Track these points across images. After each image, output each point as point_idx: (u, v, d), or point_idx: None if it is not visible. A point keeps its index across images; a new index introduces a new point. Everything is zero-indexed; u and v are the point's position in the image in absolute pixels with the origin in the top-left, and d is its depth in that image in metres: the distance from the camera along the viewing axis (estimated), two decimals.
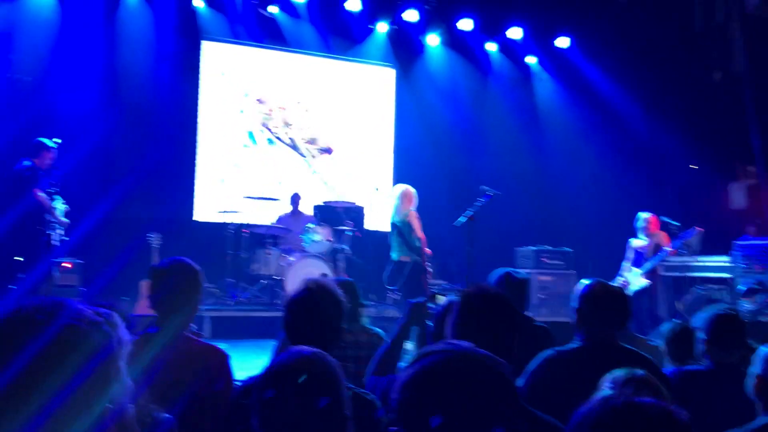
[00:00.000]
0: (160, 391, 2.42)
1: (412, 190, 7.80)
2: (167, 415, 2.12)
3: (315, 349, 1.66)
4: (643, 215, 8.24)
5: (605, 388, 1.77)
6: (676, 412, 1.12)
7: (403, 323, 2.86)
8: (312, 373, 1.59)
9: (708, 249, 9.57)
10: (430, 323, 2.99)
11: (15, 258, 6.81)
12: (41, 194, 6.73)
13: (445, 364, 1.32)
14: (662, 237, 8.11)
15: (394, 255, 7.74)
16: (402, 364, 3.20)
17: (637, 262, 8.19)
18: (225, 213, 9.00)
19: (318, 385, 1.58)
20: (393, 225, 7.79)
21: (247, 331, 7.81)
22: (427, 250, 7.77)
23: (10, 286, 6.80)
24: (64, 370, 1.14)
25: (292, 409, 1.55)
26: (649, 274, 8.06)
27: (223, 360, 2.78)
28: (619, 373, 1.77)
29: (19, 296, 6.68)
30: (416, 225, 7.63)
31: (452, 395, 1.28)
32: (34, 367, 1.12)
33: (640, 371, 1.76)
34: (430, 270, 7.76)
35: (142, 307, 7.43)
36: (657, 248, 8.08)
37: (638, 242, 8.24)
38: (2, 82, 8.67)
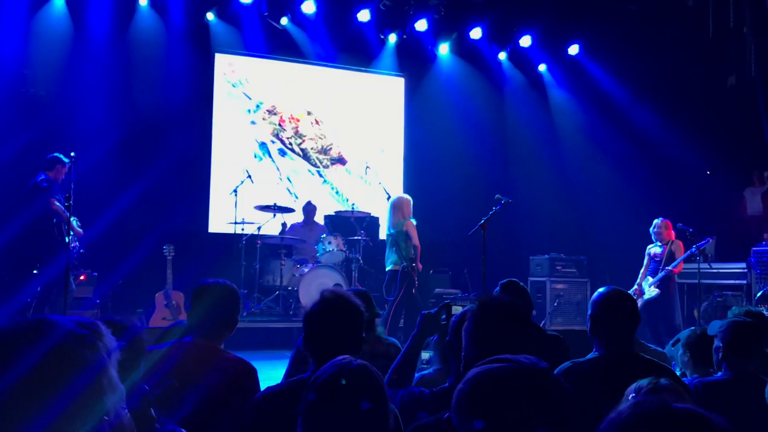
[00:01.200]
0: (189, 401, 2.45)
1: (405, 198, 7.80)
2: (172, 426, 2.13)
3: (363, 362, 1.68)
4: (657, 221, 8.17)
5: (629, 399, 1.75)
6: (715, 419, 1.07)
7: (415, 334, 2.84)
8: (359, 380, 1.61)
9: (724, 255, 9.51)
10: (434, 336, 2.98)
11: (33, 270, 6.86)
12: (57, 204, 6.79)
13: (508, 374, 1.31)
14: (678, 244, 8.03)
15: (388, 265, 7.75)
16: (418, 374, 3.20)
17: (653, 270, 8.13)
18: (238, 224, 9.02)
19: (364, 392, 1.61)
20: (388, 235, 7.79)
21: (260, 341, 7.82)
22: (419, 264, 7.73)
23: (27, 300, 6.85)
24: (54, 389, 1.12)
25: (339, 414, 1.57)
26: (661, 283, 7.96)
27: (252, 374, 2.84)
28: (643, 382, 1.76)
29: (30, 307, 6.74)
30: (413, 233, 7.60)
31: (515, 407, 1.28)
32: (23, 390, 1.11)
33: (664, 380, 1.74)
34: (417, 281, 7.67)
35: (158, 320, 7.47)
36: (671, 255, 8.01)
37: (654, 249, 8.17)
38: (17, 97, 8.76)
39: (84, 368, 1.16)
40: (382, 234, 10.10)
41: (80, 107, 8.97)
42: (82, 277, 7.93)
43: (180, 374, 2.56)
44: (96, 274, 8.19)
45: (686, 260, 9.11)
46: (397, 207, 7.74)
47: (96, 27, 9.21)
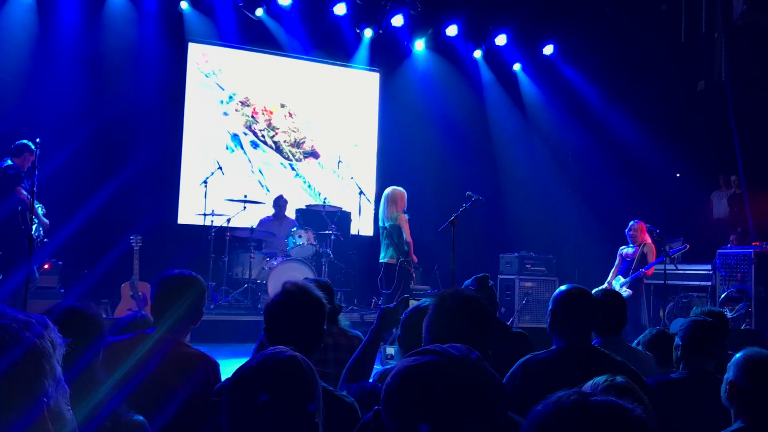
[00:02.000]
0: (148, 393, 2.41)
1: (399, 191, 7.73)
2: (141, 418, 2.10)
3: (296, 354, 1.64)
4: (632, 223, 8.27)
5: None
6: (633, 410, 1.08)
7: (374, 329, 2.84)
8: (281, 376, 1.56)
9: (690, 257, 9.66)
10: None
11: None
12: (24, 193, 6.67)
13: (436, 369, 1.29)
14: (650, 247, 8.13)
15: (383, 258, 7.72)
16: (382, 368, 3.19)
17: (623, 270, 8.23)
18: (208, 216, 8.94)
19: (285, 389, 1.56)
20: (382, 228, 7.75)
21: (228, 335, 7.76)
22: (414, 257, 7.75)
23: None
24: None
25: (258, 411, 1.53)
26: (632, 285, 8.07)
27: (215, 368, 2.78)
28: (599, 379, 1.77)
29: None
30: (405, 228, 7.59)
31: (443, 403, 1.26)
32: None
33: (620, 378, 1.75)
34: (414, 275, 7.73)
35: (123, 310, 7.38)
36: (643, 257, 8.11)
37: (626, 250, 8.28)
38: None
39: (24, 347, 1.16)
40: (354, 229, 10.10)
41: (49, 95, 8.82)
42: (45, 266, 7.80)
43: (142, 368, 2.52)
44: (61, 263, 8.06)
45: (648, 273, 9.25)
46: (391, 200, 7.68)
47: (66, 14, 9.05)
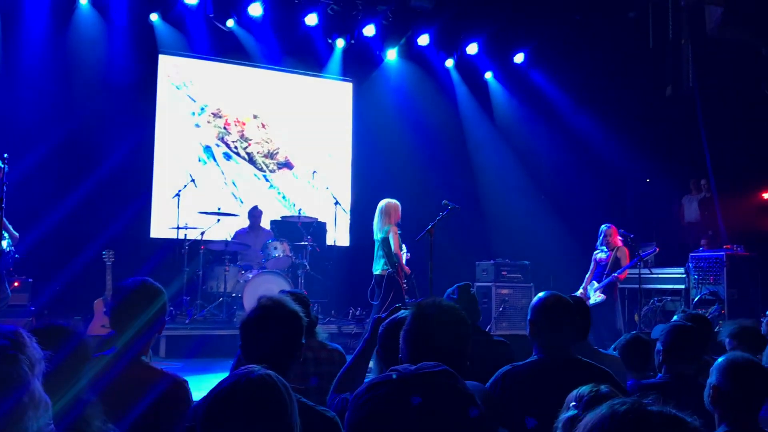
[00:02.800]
0: (113, 417, 2.33)
1: (393, 204, 7.76)
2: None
3: (266, 372, 1.59)
4: (603, 227, 8.30)
5: (570, 407, 1.74)
6: (690, 420, 1.08)
7: (367, 338, 2.79)
8: (255, 397, 1.52)
9: (664, 261, 9.77)
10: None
11: None
12: None
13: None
14: (623, 251, 8.16)
15: (375, 269, 7.76)
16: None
17: (598, 275, 8.27)
18: (181, 229, 8.83)
19: (260, 410, 1.52)
20: (375, 240, 7.79)
21: (203, 349, 7.66)
22: (406, 268, 7.77)
23: None
24: None
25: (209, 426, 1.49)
26: (606, 289, 8.10)
27: (182, 387, 2.66)
28: (584, 390, 1.75)
29: None
30: (394, 240, 7.61)
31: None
32: None
33: (604, 387, 1.74)
34: (405, 287, 7.71)
35: (97, 327, 7.24)
36: (617, 261, 8.15)
37: (600, 255, 8.31)
38: None
39: (1, 385, 1.09)
40: (330, 239, 10.06)
41: (16, 107, 8.68)
42: (15, 284, 7.63)
43: (106, 392, 2.43)
44: (31, 280, 7.90)
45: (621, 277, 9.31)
46: (384, 212, 7.73)
47: (33, 25, 8.92)
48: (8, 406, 1.10)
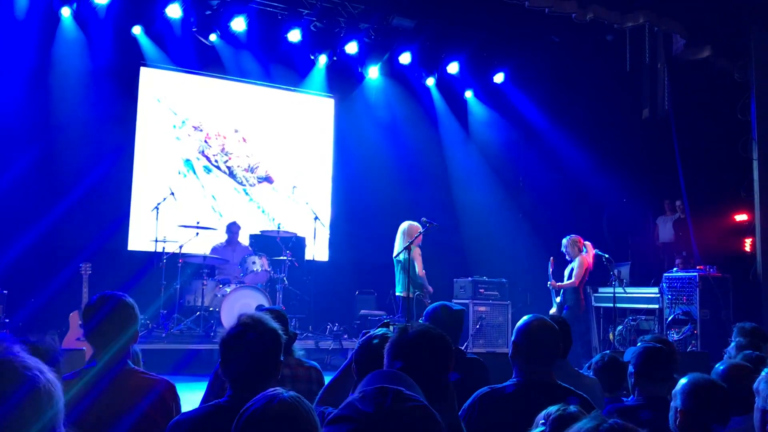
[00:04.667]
0: (98, 423, 2.35)
1: (415, 225, 7.92)
2: None
3: (293, 393, 1.65)
4: (565, 240, 8.51)
5: (539, 424, 1.79)
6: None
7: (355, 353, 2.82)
8: (293, 418, 1.58)
9: (638, 280, 9.90)
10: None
11: None
12: None
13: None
14: (580, 260, 8.31)
15: (398, 290, 7.83)
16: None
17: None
18: (159, 242, 8.79)
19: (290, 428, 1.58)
20: (397, 261, 7.85)
21: (180, 364, 7.61)
22: (430, 288, 7.92)
23: None
24: None
25: None
26: (565, 300, 8.30)
27: (171, 391, 2.75)
28: (551, 409, 1.80)
29: None
30: (418, 262, 7.79)
31: None
32: None
33: (572, 408, 1.79)
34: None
35: (72, 340, 7.19)
36: (571, 271, 8.36)
37: (568, 268, 8.48)
38: None
39: (23, 386, 1.13)
40: (309, 254, 10.08)
41: None
42: None
43: (92, 405, 2.47)
44: (6, 292, 7.81)
45: (603, 284, 9.48)
46: (407, 233, 7.92)
47: (13, 35, 8.87)
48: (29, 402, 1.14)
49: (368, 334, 2.68)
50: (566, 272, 8.46)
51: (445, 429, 1.38)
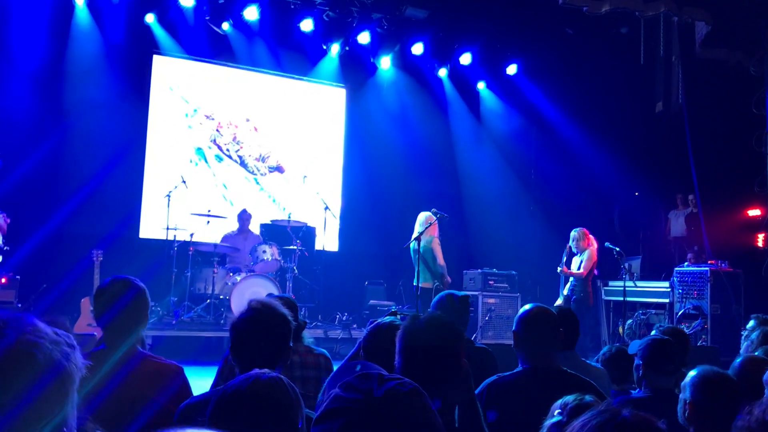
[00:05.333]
0: (116, 409, 2.38)
1: (434, 216, 7.91)
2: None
3: (275, 374, 1.66)
4: (573, 232, 8.54)
5: (555, 415, 1.80)
6: (659, 424, 1.21)
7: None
8: (269, 398, 1.58)
9: (649, 274, 9.87)
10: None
11: None
12: None
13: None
14: (588, 252, 8.33)
15: (417, 281, 7.85)
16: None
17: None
18: (171, 230, 8.84)
19: (275, 411, 1.58)
20: (414, 251, 7.88)
21: (190, 351, 7.66)
22: (448, 278, 8.00)
23: None
24: (19, 384, 1.09)
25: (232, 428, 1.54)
26: (572, 293, 8.32)
27: (180, 375, 2.77)
28: (568, 398, 1.81)
29: None
30: (438, 253, 7.85)
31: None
32: None
33: (589, 397, 1.79)
34: None
35: (83, 326, 7.25)
36: (579, 264, 8.39)
37: (575, 260, 8.49)
38: None
39: (51, 370, 1.12)
40: (318, 244, 10.10)
41: (9, 107, 8.67)
42: (2, 280, 7.63)
43: (104, 388, 2.49)
44: (19, 277, 7.88)
45: (613, 278, 9.46)
46: (425, 223, 7.93)
47: (31, 25, 8.92)
48: (55, 389, 1.14)
49: (378, 322, 2.70)
50: (573, 264, 8.48)
51: (428, 400, 1.38)
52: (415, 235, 7.93)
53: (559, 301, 8.36)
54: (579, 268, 8.31)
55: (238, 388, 1.62)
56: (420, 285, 7.79)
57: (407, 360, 2.14)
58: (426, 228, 7.76)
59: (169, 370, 2.76)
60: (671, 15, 9.34)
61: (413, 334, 2.17)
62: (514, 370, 2.83)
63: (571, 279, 8.43)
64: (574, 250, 8.47)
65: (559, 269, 8.46)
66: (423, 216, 8.04)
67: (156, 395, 2.62)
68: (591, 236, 8.49)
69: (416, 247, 7.70)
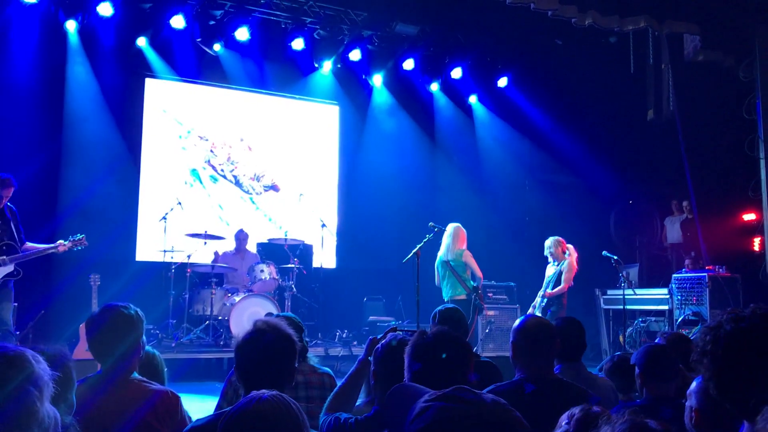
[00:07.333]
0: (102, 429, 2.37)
1: (462, 228, 7.95)
2: None
3: (275, 393, 1.65)
4: (547, 242, 8.25)
5: (562, 425, 1.79)
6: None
7: (362, 359, 2.81)
8: (275, 417, 1.58)
9: (648, 282, 9.87)
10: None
11: None
12: None
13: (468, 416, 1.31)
14: (567, 263, 8.04)
15: (447, 294, 7.79)
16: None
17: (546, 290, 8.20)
18: (168, 252, 8.81)
19: (283, 430, 1.58)
20: (444, 263, 7.82)
21: (190, 373, 7.63)
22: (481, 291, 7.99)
23: None
24: None
25: None
26: (551, 302, 8.02)
27: (175, 402, 2.74)
28: (575, 409, 1.81)
29: None
30: (473, 264, 7.83)
31: None
32: None
33: (596, 408, 1.80)
34: (487, 308, 7.92)
35: (81, 351, 7.20)
36: (560, 275, 8.02)
37: (548, 269, 8.28)
38: None
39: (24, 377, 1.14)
40: (316, 262, 10.08)
41: (3, 129, 8.66)
42: None
43: (96, 414, 2.49)
44: (16, 304, 7.83)
45: (611, 286, 9.43)
46: (455, 236, 7.92)
47: (22, 50, 8.93)
48: (27, 404, 1.14)
49: (389, 340, 2.68)
50: (549, 274, 8.14)
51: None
52: (443, 249, 7.90)
53: (531, 311, 8.11)
54: (559, 282, 7.96)
55: (243, 410, 1.61)
56: (453, 298, 7.76)
57: (418, 375, 2.14)
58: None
59: (160, 396, 2.74)
60: (653, 29, 9.39)
61: (422, 350, 2.17)
62: (511, 380, 2.84)
63: (541, 300, 8.10)
64: (550, 259, 8.22)
65: (543, 293, 8.06)
66: (451, 227, 7.99)
67: (142, 418, 2.61)
68: (568, 245, 8.17)
69: (445, 258, 7.68)
